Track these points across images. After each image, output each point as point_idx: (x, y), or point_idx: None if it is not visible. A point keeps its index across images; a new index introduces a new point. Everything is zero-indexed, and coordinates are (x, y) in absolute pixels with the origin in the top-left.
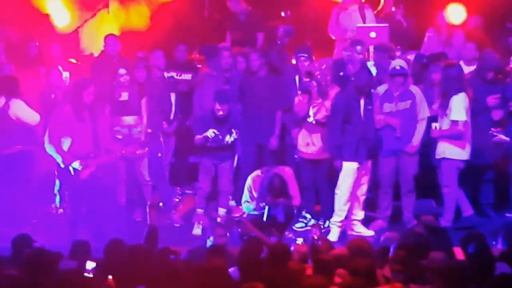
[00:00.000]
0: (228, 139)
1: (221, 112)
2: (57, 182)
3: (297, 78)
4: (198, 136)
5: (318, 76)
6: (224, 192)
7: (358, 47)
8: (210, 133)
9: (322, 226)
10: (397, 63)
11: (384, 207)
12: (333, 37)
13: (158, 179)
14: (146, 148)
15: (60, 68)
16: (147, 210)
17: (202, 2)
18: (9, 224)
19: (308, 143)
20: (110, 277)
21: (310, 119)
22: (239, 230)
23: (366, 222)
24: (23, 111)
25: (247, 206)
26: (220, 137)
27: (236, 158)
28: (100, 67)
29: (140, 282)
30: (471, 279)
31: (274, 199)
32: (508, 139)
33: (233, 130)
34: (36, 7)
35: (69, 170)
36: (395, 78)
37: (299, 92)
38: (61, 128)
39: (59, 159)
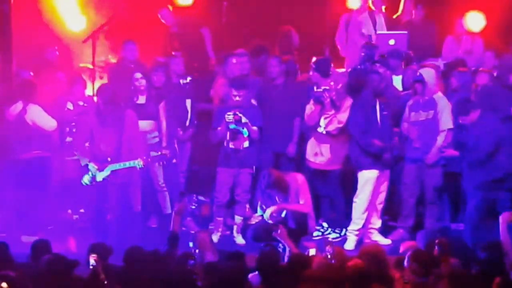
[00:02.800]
0: (244, 120)
1: (237, 98)
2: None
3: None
4: (219, 128)
5: (334, 96)
6: (240, 201)
7: None
8: (228, 117)
9: (339, 237)
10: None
11: (404, 216)
12: (339, 47)
13: (172, 185)
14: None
15: (85, 77)
16: (172, 216)
17: (220, 8)
18: (25, 229)
19: (317, 153)
20: None
21: (320, 129)
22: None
23: (387, 231)
24: (39, 117)
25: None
26: (239, 114)
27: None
28: (118, 73)
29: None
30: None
31: (269, 190)
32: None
33: (255, 127)
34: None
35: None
36: (413, 85)
37: (311, 101)
38: (87, 131)
39: (84, 160)
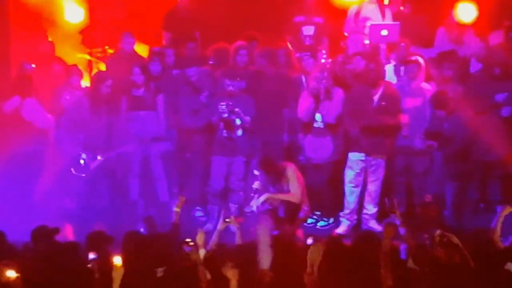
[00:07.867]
0: (238, 119)
1: (231, 88)
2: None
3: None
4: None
5: (325, 83)
6: (235, 189)
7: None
8: (222, 107)
9: (326, 225)
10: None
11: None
12: (346, 34)
13: (170, 175)
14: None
15: (80, 67)
16: (174, 208)
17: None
18: (22, 218)
19: (316, 148)
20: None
21: (318, 124)
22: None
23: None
24: (35, 111)
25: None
26: (231, 105)
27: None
28: (116, 63)
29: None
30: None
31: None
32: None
33: (247, 117)
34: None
35: (78, 162)
36: (408, 66)
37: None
38: (75, 120)
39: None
